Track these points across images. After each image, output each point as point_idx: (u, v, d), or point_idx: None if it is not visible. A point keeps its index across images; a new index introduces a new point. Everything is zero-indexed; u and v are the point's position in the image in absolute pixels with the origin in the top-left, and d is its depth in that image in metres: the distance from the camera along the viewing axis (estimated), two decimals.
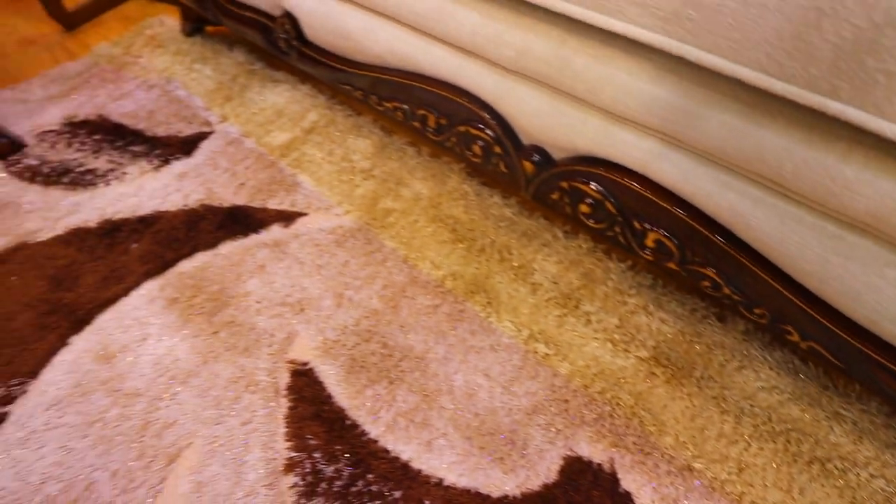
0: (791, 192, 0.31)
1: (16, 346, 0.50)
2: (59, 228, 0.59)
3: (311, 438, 0.44)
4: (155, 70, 0.82)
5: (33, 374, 0.48)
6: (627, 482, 0.41)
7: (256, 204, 0.62)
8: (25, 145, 0.70)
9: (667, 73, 0.33)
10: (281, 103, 0.74)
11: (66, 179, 0.65)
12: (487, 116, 0.47)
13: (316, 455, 0.43)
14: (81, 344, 0.50)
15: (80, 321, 0.51)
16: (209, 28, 0.90)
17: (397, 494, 0.41)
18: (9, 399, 0.47)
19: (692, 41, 0.29)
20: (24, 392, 0.47)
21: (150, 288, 0.53)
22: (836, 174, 0.28)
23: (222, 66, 0.81)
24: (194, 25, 0.88)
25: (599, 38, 0.34)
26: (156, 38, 0.88)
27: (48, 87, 0.80)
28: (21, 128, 0.73)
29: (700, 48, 0.29)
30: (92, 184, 0.64)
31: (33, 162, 0.68)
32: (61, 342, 0.50)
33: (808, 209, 0.32)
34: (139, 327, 0.51)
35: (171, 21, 0.92)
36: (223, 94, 0.76)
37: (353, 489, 0.41)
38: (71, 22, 0.96)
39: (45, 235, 0.59)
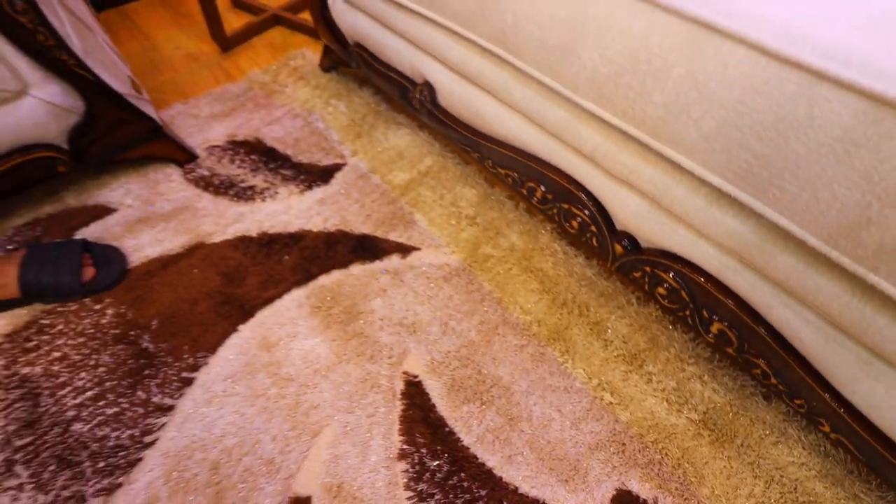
0: (836, 323, 0.41)
1: (200, 326, 0.66)
2: (228, 234, 0.75)
3: (419, 437, 0.56)
4: (298, 100, 0.97)
5: (213, 350, 0.64)
6: None
7: (380, 234, 0.75)
8: (198, 157, 0.88)
9: (750, 215, 0.42)
10: (402, 146, 0.88)
11: (231, 192, 0.81)
12: (590, 203, 0.58)
13: (423, 451, 0.55)
14: (248, 332, 0.65)
15: (246, 313, 0.67)
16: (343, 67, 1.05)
17: (483, 493, 0.53)
18: (196, 367, 0.62)
19: (774, 206, 0.39)
20: (206, 363, 0.63)
21: (298, 295, 0.68)
22: (871, 321, 0.37)
23: (354, 104, 0.96)
24: (332, 64, 1.03)
25: (699, 180, 0.44)
26: (298, 70, 1.04)
27: (213, 106, 0.97)
28: (193, 141, 0.90)
29: (779, 213, 0.38)
30: (251, 198, 0.80)
31: (205, 173, 0.85)
32: (232, 328, 0.65)
33: (848, 337, 0.41)
34: (291, 325, 0.65)
35: (311, 55, 1.08)
36: (354, 130, 0.91)
37: (450, 482, 0.53)
38: (226, 44, 1.15)
39: (217, 238, 0.75)
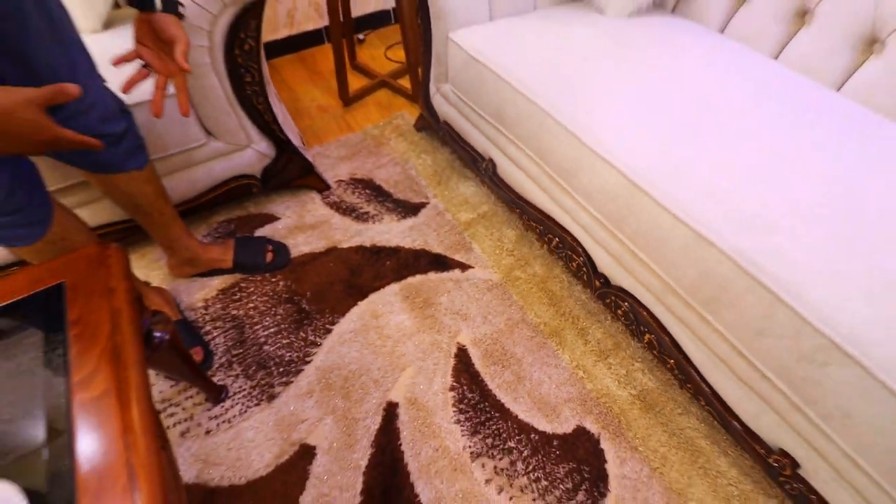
0: (701, 337, 0.75)
1: (335, 298, 1.07)
2: (352, 243, 1.16)
3: (462, 380, 0.94)
4: (398, 151, 1.39)
5: (343, 314, 1.04)
6: (608, 450, 0.87)
7: (449, 254, 1.14)
8: (331, 187, 1.30)
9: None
10: (468, 194, 1.27)
11: (353, 214, 1.23)
12: (583, 253, 0.94)
13: (464, 387, 0.93)
14: (364, 306, 1.05)
15: (363, 295, 1.07)
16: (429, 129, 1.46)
17: (497, 415, 0.90)
18: (333, 322, 1.03)
19: (702, 307, 0.74)
20: (339, 322, 1.03)
21: (394, 288, 1.08)
22: (730, 356, 0.72)
23: (437, 159, 1.36)
24: (423, 126, 1.44)
25: (650, 269, 0.80)
26: (399, 128, 1.46)
27: (339, 150, 1.40)
28: (327, 175, 1.33)
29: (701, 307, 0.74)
30: (366, 220, 1.21)
31: (336, 199, 1.27)
32: (354, 303, 1.06)
33: (711, 352, 0.76)
34: (389, 305, 1.05)
35: (408, 116, 1.49)
36: (436, 179, 1.31)
37: (479, 406, 0.91)
38: (348, 101, 1.58)
39: (344, 245, 1.16)
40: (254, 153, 1.12)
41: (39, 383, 0.49)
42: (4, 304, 0.54)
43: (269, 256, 1.12)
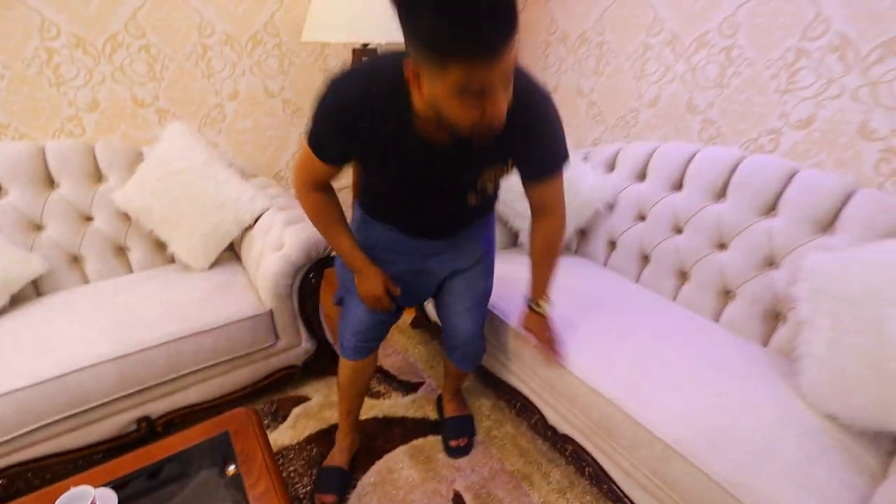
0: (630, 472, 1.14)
1: (358, 461, 1.38)
2: (368, 415, 1.52)
3: None
4: (400, 344, 1.86)
5: (364, 471, 1.35)
6: None
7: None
8: None
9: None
10: None
11: (368, 393, 1.62)
12: (537, 412, 1.36)
13: None
14: (380, 465, 1.37)
15: (379, 455, 1.39)
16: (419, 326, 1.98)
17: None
18: (357, 478, 1.33)
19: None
20: (362, 478, 1.33)
21: (403, 449, 1.41)
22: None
23: (429, 349, 1.84)
24: (417, 324, 1.96)
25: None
26: (398, 326, 1.97)
27: None
28: None
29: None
30: (378, 397, 1.60)
31: None
32: (372, 463, 1.38)
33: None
34: (399, 463, 1.37)
35: (406, 317, 2.02)
36: (430, 364, 1.76)
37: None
38: None
39: (363, 417, 1.52)
40: (301, 349, 1.57)
41: (222, 490, 0.84)
42: (198, 442, 0.91)
43: None
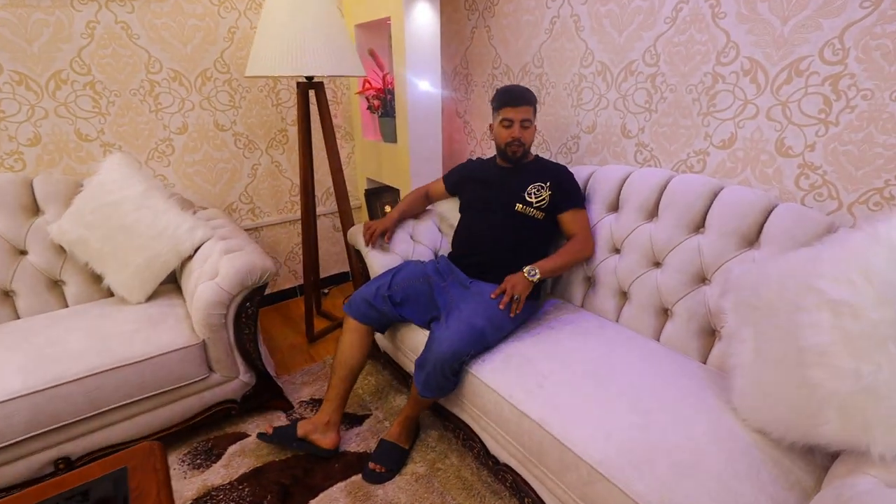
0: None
1: (292, 501, 1.30)
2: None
3: None
4: None
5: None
6: None
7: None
8: (293, 407, 1.65)
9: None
10: (402, 405, 1.65)
11: None
12: (479, 442, 1.31)
13: None
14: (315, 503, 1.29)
15: (314, 494, 1.32)
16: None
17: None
18: None
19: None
20: None
21: (341, 486, 1.34)
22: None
23: (378, 379, 1.78)
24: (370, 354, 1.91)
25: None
26: None
27: (303, 377, 1.81)
28: (292, 397, 1.70)
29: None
30: None
31: (297, 416, 1.61)
32: (306, 502, 1.30)
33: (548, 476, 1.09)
34: (335, 502, 1.30)
35: None
36: (378, 395, 1.70)
37: None
38: (313, 339, 2.07)
39: (302, 452, 1.45)
40: (239, 383, 1.51)
41: None
42: (95, 479, 0.85)
43: None
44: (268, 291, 2.37)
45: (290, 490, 1.33)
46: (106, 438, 1.31)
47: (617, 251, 1.50)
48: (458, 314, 1.30)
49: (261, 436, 1.43)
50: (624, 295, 1.48)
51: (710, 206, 1.30)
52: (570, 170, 1.57)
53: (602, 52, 1.63)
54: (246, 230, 2.18)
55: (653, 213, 1.42)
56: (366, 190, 2.35)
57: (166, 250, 1.52)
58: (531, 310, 1.45)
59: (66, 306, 1.59)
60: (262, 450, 1.46)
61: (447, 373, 1.23)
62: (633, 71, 1.55)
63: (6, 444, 1.15)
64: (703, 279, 1.30)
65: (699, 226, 1.32)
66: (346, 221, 1.93)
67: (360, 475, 1.37)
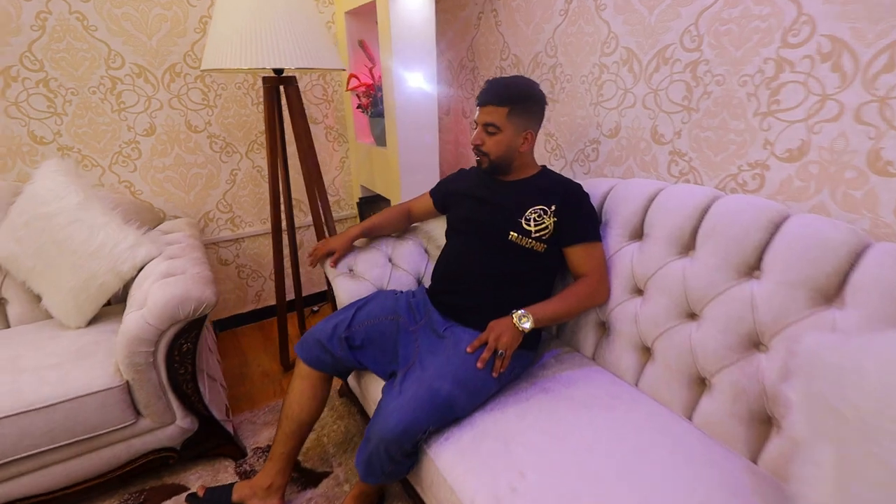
0: None
1: None
2: None
3: None
4: (321, 417, 1.56)
5: None
6: None
7: None
8: (246, 455, 1.42)
9: None
10: None
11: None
12: None
13: None
14: None
15: None
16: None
17: None
18: None
19: None
20: None
21: None
22: None
23: (349, 424, 1.52)
24: (344, 392, 1.65)
25: None
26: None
27: (266, 416, 1.57)
28: (247, 441, 1.47)
29: None
30: None
31: (247, 468, 1.37)
32: None
33: None
34: None
35: (336, 383, 1.73)
36: (345, 446, 1.44)
37: None
38: (288, 366, 1.84)
39: None
40: (176, 429, 1.29)
41: None
42: None
43: None
44: (252, 307, 2.17)
45: None
46: (21, 488, 1.13)
47: (639, 292, 1.16)
48: (420, 374, 1.01)
49: (189, 498, 1.20)
50: (647, 351, 1.14)
51: (769, 241, 0.94)
52: (586, 187, 1.24)
53: (628, 36, 1.28)
54: (224, 242, 1.98)
55: (688, 245, 1.07)
56: (359, 199, 2.10)
57: (104, 270, 1.32)
58: (523, 362, 1.14)
59: (9, 326, 1.43)
60: None
61: (396, 455, 0.95)
62: (667, 58, 1.20)
63: None
64: (756, 344, 0.94)
65: (753, 267, 0.96)
66: (321, 234, 1.69)
67: None
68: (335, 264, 1.37)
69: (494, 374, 1.02)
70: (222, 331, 2.11)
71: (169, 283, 1.19)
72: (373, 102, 1.78)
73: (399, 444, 0.92)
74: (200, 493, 1.20)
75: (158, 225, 1.67)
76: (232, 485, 1.20)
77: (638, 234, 1.19)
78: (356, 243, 1.44)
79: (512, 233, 1.15)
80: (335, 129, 2.09)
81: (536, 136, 1.20)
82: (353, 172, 2.16)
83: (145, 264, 1.36)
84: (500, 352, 1.02)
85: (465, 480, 0.87)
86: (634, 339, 1.15)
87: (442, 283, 1.24)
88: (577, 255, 1.16)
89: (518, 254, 1.15)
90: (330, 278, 1.41)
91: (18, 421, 1.07)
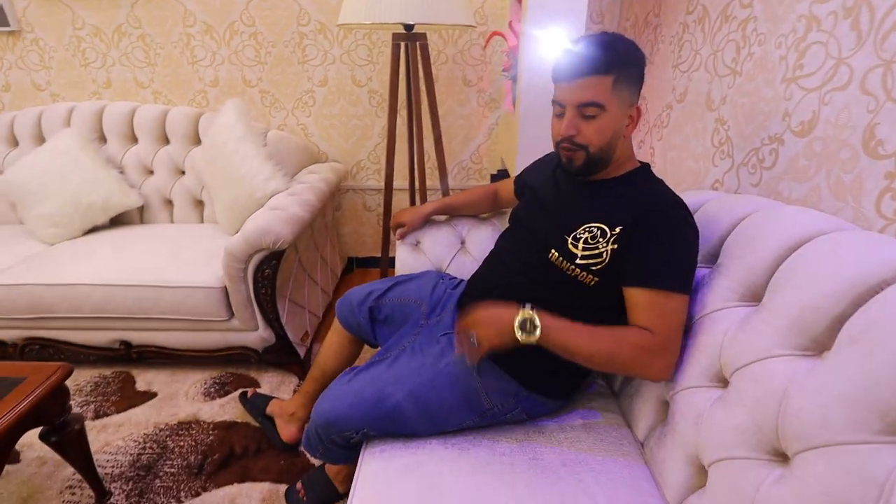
0: None
1: (223, 472, 1.26)
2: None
3: None
4: None
5: (216, 487, 1.22)
6: None
7: None
8: None
9: None
10: None
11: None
12: None
13: None
14: (232, 490, 1.21)
15: (241, 479, 1.24)
16: None
17: None
18: (205, 490, 1.22)
19: None
20: (210, 491, 1.21)
21: (265, 486, 1.21)
22: None
23: None
24: None
25: None
26: None
27: None
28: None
29: None
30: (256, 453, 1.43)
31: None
32: (230, 482, 1.23)
33: None
34: (248, 500, 1.18)
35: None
36: None
37: None
38: None
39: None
40: (258, 336, 1.53)
41: None
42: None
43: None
44: (370, 254, 2.33)
45: (233, 459, 1.29)
46: (153, 339, 1.55)
47: (723, 384, 0.74)
48: (383, 371, 0.91)
49: (241, 396, 1.43)
50: (702, 472, 0.74)
51: None
52: (707, 209, 0.84)
53: None
54: (370, 190, 2.16)
55: (823, 342, 0.61)
56: (496, 171, 1.97)
57: (245, 195, 1.61)
58: (534, 408, 0.90)
59: (202, 222, 1.93)
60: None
61: (325, 440, 0.89)
62: None
63: (83, 315, 1.48)
64: None
65: None
66: (413, 202, 1.66)
67: (287, 486, 1.21)
68: (402, 238, 1.32)
69: (456, 356, 0.84)
70: (359, 267, 2.37)
71: (265, 215, 1.38)
72: (513, 64, 1.59)
73: (326, 429, 0.87)
74: (249, 394, 1.41)
75: (312, 165, 1.93)
76: (271, 398, 1.37)
77: (757, 296, 0.74)
78: (437, 219, 1.36)
79: (553, 251, 0.87)
80: (488, 93, 1.97)
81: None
82: (500, 141, 2.02)
83: (274, 195, 1.60)
84: (471, 335, 0.78)
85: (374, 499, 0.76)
86: (690, 449, 0.75)
87: (470, 287, 1.06)
88: (638, 300, 0.80)
89: (560, 280, 0.86)
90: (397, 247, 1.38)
91: (154, 292, 1.44)
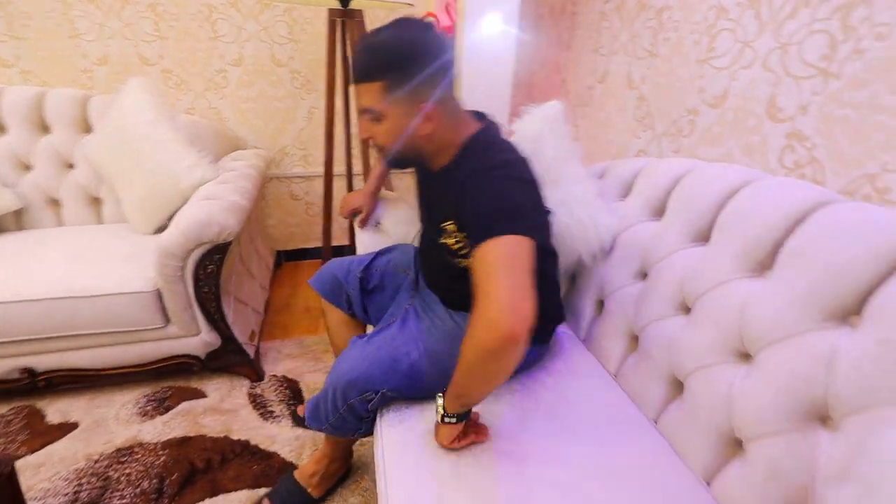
0: None
1: (190, 490, 1.15)
2: (242, 435, 1.28)
3: None
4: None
5: None
6: None
7: None
8: (262, 379, 1.50)
9: None
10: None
11: (261, 411, 1.38)
12: None
13: None
14: None
15: (214, 492, 1.14)
16: None
17: None
18: None
19: None
20: None
21: (245, 495, 1.14)
22: None
23: None
24: None
25: None
26: None
27: (291, 349, 1.64)
28: (267, 368, 1.55)
29: None
30: (267, 419, 1.35)
31: (259, 392, 1.45)
32: (201, 499, 1.13)
33: None
34: None
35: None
36: None
37: None
38: None
39: (234, 436, 1.28)
40: (200, 341, 1.39)
41: None
42: None
43: None
44: (315, 245, 2.25)
45: (197, 475, 1.18)
46: (65, 361, 1.33)
47: (686, 311, 0.89)
48: (396, 332, 0.91)
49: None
50: (678, 386, 0.88)
51: (884, 282, 0.62)
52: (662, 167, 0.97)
53: None
54: (296, 178, 2.05)
55: (765, 262, 0.77)
56: None
57: (166, 185, 1.44)
58: (530, 356, 0.96)
59: (101, 223, 1.67)
60: (206, 418, 1.34)
61: (340, 406, 0.87)
62: (809, 1, 0.85)
63: None
64: (822, 418, 0.65)
65: (851, 312, 0.65)
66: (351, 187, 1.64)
67: (267, 489, 1.14)
68: (363, 225, 1.29)
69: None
70: (287, 261, 2.24)
71: (202, 206, 1.25)
72: None
73: (345, 392, 0.85)
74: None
75: (233, 152, 1.77)
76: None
77: (705, 237, 0.90)
78: (386, 194, 1.36)
79: (444, 251, 0.89)
80: None
81: (448, 105, 0.79)
82: None
83: (202, 185, 1.44)
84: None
85: (401, 478, 0.77)
86: (665, 369, 0.90)
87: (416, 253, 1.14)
88: (473, 267, 0.69)
89: (462, 273, 0.84)
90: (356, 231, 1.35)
91: (68, 304, 1.23)
